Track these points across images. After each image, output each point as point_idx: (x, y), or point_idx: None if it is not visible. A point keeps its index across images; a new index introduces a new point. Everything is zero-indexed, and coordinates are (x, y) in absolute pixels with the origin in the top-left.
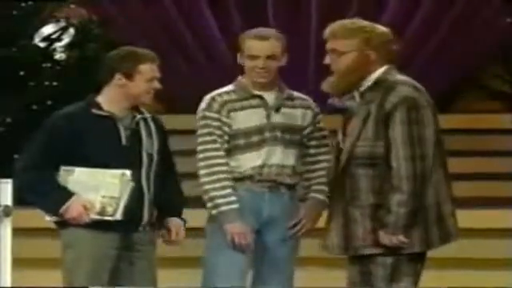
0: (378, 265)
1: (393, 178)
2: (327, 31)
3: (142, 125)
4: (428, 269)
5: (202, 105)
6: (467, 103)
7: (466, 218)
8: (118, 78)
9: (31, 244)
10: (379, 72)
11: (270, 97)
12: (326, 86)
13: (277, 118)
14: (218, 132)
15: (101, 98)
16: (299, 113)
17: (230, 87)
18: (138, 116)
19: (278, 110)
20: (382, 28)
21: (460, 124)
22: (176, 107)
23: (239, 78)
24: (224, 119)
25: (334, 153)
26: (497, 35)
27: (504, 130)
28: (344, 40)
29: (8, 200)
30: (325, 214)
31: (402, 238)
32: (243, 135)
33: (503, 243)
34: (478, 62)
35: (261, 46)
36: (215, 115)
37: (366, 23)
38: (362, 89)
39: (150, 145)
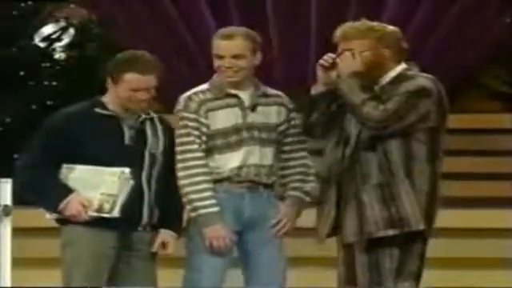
0: (386, 256)
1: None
2: (338, 33)
3: (147, 125)
4: (427, 268)
5: (179, 105)
6: (467, 103)
7: (465, 218)
8: (108, 82)
9: (31, 244)
10: (400, 68)
11: (244, 95)
12: None
13: (253, 118)
14: (196, 133)
15: (105, 98)
16: (274, 110)
17: (204, 86)
18: (143, 116)
19: (253, 108)
20: (390, 27)
21: (460, 124)
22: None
23: (214, 76)
24: (202, 119)
25: (345, 144)
26: (497, 35)
27: (504, 129)
28: (356, 40)
29: (8, 200)
30: (307, 211)
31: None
32: (221, 135)
33: (503, 243)
34: (477, 62)
35: (225, 45)
36: (192, 115)
37: (374, 23)
38: (382, 84)
39: (154, 145)
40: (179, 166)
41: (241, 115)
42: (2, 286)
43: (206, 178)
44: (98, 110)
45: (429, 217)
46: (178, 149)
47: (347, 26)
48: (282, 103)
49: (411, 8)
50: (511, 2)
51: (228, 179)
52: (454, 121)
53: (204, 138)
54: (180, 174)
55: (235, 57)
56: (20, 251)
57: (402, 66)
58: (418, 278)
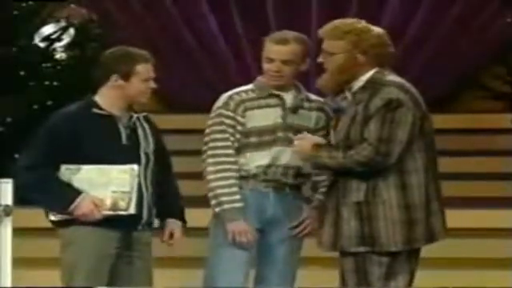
0: (374, 263)
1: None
2: (320, 31)
3: (138, 124)
4: (427, 269)
5: (219, 102)
6: (467, 103)
7: (465, 218)
8: (115, 80)
9: (31, 244)
10: (370, 74)
11: (288, 96)
12: (319, 82)
13: (293, 119)
14: (231, 130)
15: (98, 98)
16: (314, 115)
17: (249, 86)
18: (135, 115)
19: (295, 110)
20: (375, 31)
21: (460, 124)
22: (176, 107)
23: (259, 77)
24: (239, 118)
25: None
26: (497, 35)
27: (504, 129)
28: (333, 41)
29: (8, 200)
30: None
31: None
32: (257, 133)
33: (503, 243)
34: (477, 61)
35: (277, 49)
36: (230, 114)
37: (358, 25)
38: (354, 89)
39: (146, 144)
40: (209, 160)
41: (281, 115)
42: (2, 286)
43: (235, 175)
44: (95, 110)
45: (429, 223)
46: (210, 144)
47: (329, 25)
48: (322, 109)
49: (412, 8)
50: (511, 1)
51: (254, 177)
52: (454, 121)
53: (238, 136)
54: (209, 168)
55: (284, 62)
56: (20, 251)
57: (374, 71)
58: (410, 276)
